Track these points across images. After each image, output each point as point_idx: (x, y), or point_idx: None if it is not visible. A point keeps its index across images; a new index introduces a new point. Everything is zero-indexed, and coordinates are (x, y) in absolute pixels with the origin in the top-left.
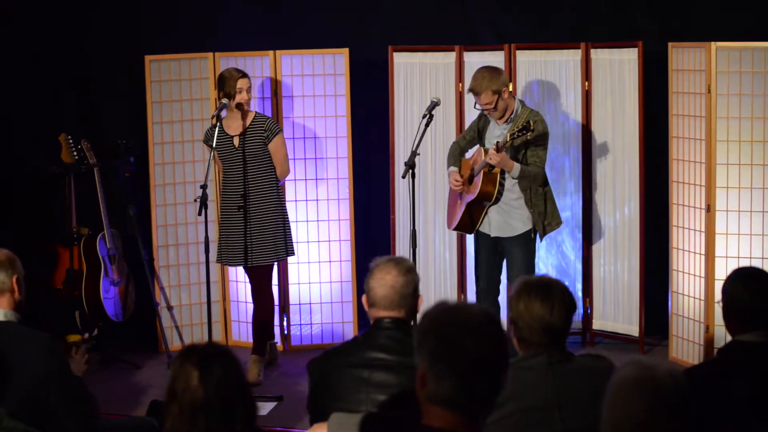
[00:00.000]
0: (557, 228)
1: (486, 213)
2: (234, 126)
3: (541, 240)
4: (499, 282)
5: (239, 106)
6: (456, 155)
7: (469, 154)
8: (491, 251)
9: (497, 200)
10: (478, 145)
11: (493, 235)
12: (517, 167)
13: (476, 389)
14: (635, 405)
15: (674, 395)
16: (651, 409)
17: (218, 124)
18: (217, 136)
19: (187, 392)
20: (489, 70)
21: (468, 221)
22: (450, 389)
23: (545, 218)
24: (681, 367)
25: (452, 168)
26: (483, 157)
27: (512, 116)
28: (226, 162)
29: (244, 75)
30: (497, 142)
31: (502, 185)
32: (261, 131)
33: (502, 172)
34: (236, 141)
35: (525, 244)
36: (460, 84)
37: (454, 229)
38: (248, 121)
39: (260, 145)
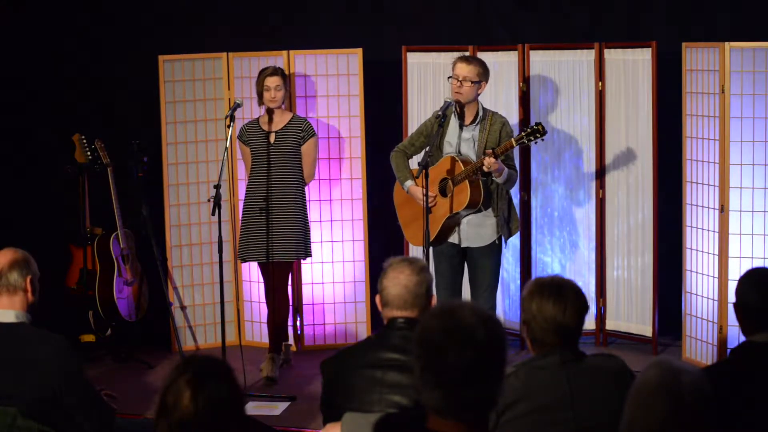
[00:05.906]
0: (517, 232)
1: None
2: (270, 123)
3: (506, 245)
4: (461, 288)
5: (268, 108)
6: (407, 165)
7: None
8: (454, 263)
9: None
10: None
11: (463, 245)
12: (506, 172)
13: (466, 399)
14: (655, 409)
15: (695, 403)
16: (671, 416)
17: (232, 124)
18: (254, 131)
19: (178, 409)
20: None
21: (443, 233)
22: (439, 399)
23: (510, 222)
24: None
25: (411, 183)
26: (455, 165)
27: (479, 117)
28: (256, 156)
29: (275, 72)
30: (493, 149)
31: (488, 190)
32: (298, 131)
33: (487, 178)
34: (272, 137)
35: (495, 253)
36: None
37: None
38: (285, 119)
39: (294, 144)
